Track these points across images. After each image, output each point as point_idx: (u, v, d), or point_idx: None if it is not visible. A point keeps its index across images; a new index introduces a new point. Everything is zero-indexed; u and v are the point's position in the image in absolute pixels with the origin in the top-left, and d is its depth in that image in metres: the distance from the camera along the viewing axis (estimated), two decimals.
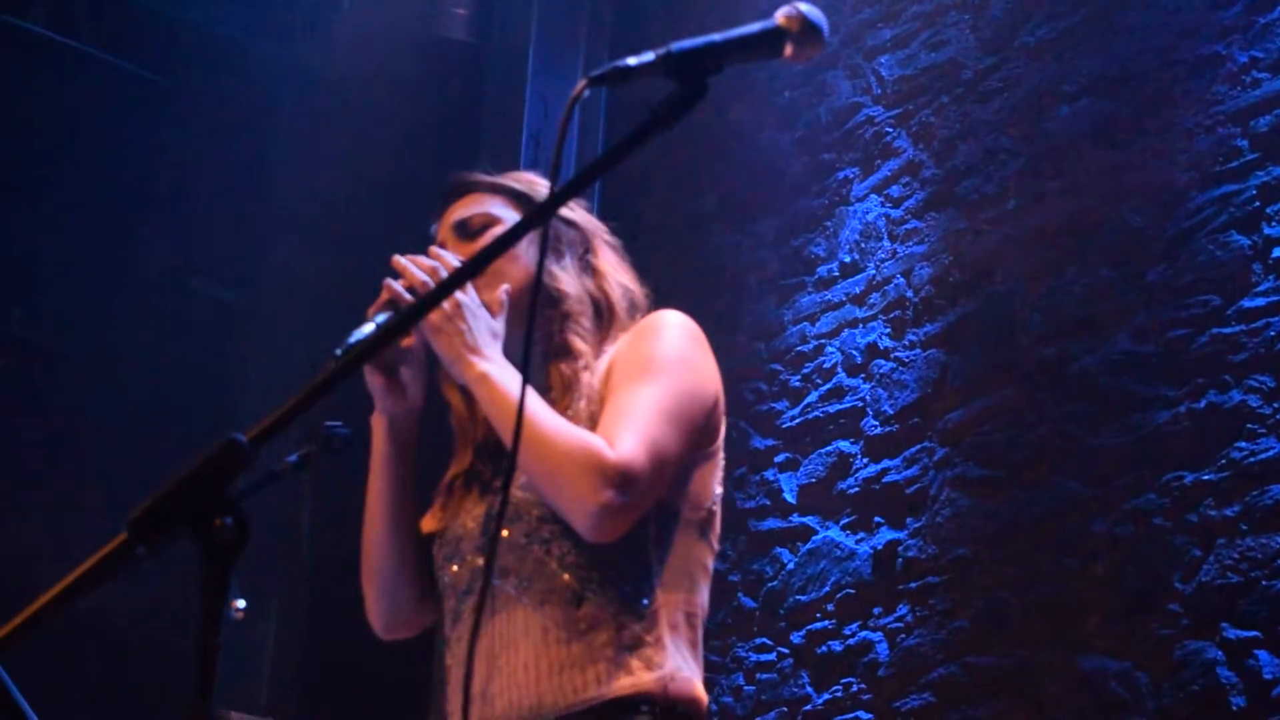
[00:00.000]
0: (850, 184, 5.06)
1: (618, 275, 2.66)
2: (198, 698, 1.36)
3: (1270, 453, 3.64)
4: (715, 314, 5.16)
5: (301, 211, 7.11)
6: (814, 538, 4.72)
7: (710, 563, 2.51)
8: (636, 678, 2.33)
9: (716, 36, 1.81)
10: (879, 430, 4.66)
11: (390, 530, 2.57)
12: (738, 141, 5.56)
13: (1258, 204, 3.83)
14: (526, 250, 2.59)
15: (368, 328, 2.40)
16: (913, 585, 4.38)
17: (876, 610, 4.47)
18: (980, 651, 4.15)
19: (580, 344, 2.52)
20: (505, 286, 2.53)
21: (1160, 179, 4.08)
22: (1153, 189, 4.09)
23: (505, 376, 2.39)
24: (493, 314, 2.48)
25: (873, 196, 4.95)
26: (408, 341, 2.50)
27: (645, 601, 2.38)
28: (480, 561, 2.44)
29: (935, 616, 4.30)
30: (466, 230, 2.65)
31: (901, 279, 4.74)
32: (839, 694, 4.49)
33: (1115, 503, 3.93)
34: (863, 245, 4.93)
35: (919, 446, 4.51)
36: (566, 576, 2.37)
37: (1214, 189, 3.93)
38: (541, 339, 2.55)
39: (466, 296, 2.43)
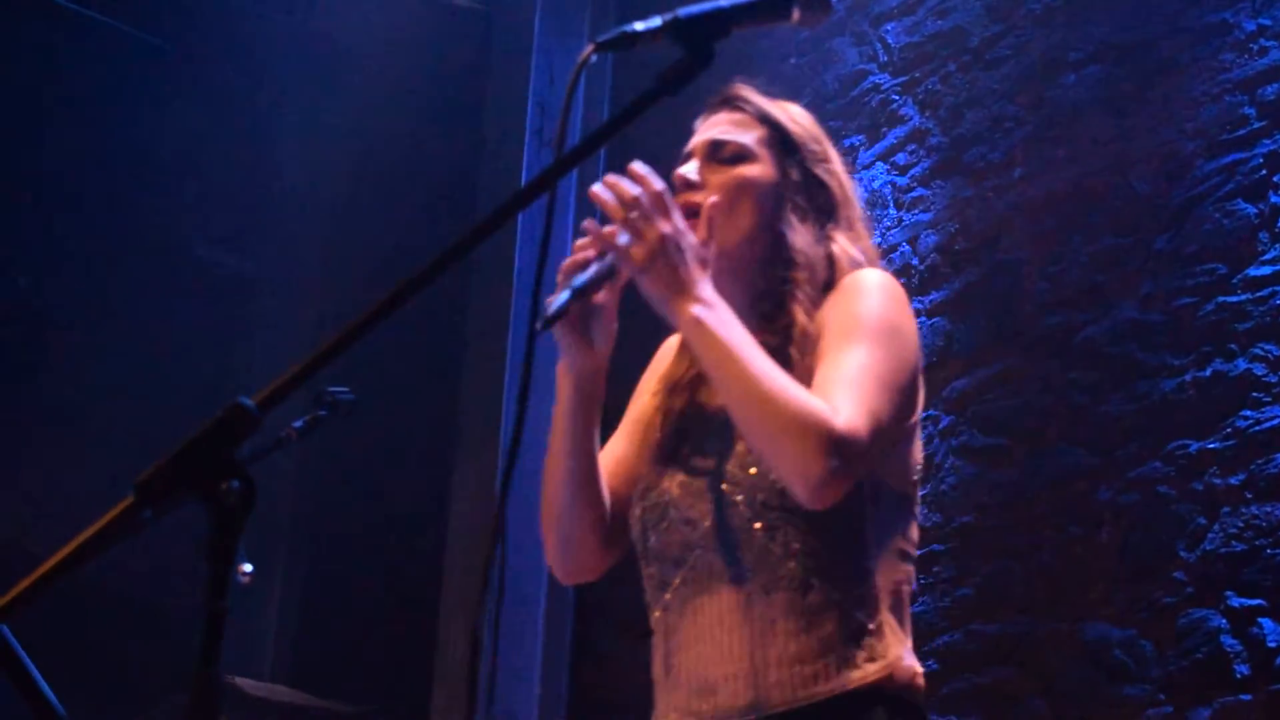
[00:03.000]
0: (856, 152, 5.05)
1: (853, 249, 2.51)
2: (204, 662, 1.36)
3: (1275, 421, 3.64)
4: None
5: (306, 178, 7.11)
6: None
7: (915, 534, 2.45)
8: (864, 670, 2.27)
9: (723, 1, 1.80)
10: None
11: (573, 483, 2.43)
12: None
13: (1264, 172, 3.82)
14: (766, 200, 2.48)
15: (561, 297, 2.28)
16: (917, 553, 4.39)
17: None
18: (984, 619, 4.16)
19: (802, 317, 2.39)
20: (713, 199, 2.40)
21: (1167, 147, 4.07)
22: (1159, 157, 4.08)
23: (721, 320, 2.26)
24: (700, 237, 2.34)
25: (879, 164, 4.94)
26: (601, 298, 2.35)
27: (865, 584, 2.32)
28: (693, 533, 2.35)
29: (939, 584, 4.30)
30: (718, 154, 2.51)
31: (907, 247, 4.74)
32: None
33: (1120, 471, 3.93)
34: (868, 213, 4.91)
35: (924, 414, 4.50)
36: (792, 564, 2.29)
37: (1221, 157, 3.93)
38: (754, 294, 2.45)
39: (670, 226, 2.28)
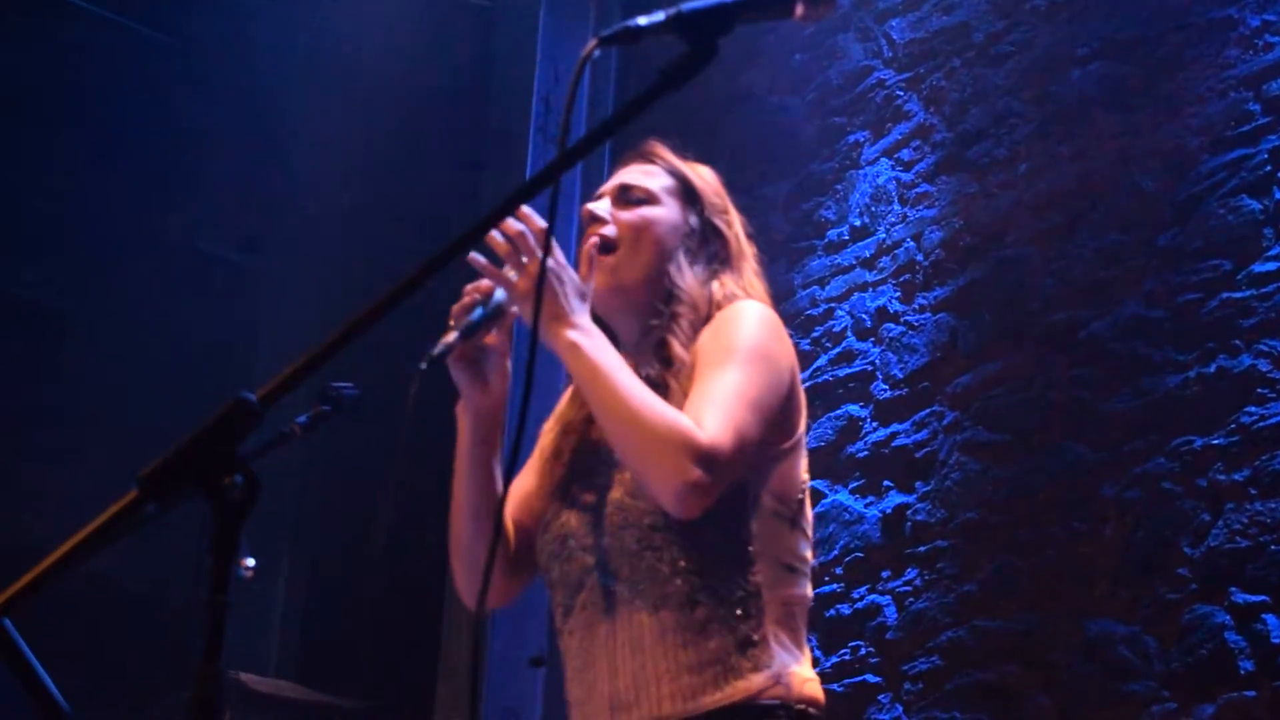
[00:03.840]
0: (861, 147, 5.05)
1: (735, 289, 2.66)
2: (207, 656, 1.36)
3: (1279, 418, 3.65)
4: None
5: (312, 173, 7.11)
6: (823, 501, 4.72)
7: (806, 552, 2.56)
8: (749, 680, 2.40)
9: None
10: (888, 394, 4.66)
11: (476, 517, 2.59)
12: (748, 104, 5.55)
13: (1269, 168, 3.82)
14: (665, 239, 2.64)
15: (450, 338, 2.44)
16: (921, 549, 4.39)
17: (885, 574, 4.48)
18: (988, 615, 4.16)
19: (679, 350, 2.54)
20: (594, 240, 2.59)
21: (1171, 143, 4.07)
22: (1164, 153, 4.08)
23: (595, 346, 2.41)
24: (581, 275, 2.51)
25: (883, 160, 4.94)
26: (491, 339, 2.52)
27: (751, 599, 2.44)
28: (590, 560, 2.49)
29: (943, 580, 4.30)
30: (627, 196, 2.68)
31: (912, 243, 4.73)
32: (847, 657, 4.50)
33: (1124, 467, 3.93)
34: (873, 209, 4.92)
35: (928, 410, 4.51)
36: (679, 581, 2.42)
37: (1225, 153, 3.92)
38: (644, 328, 2.60)
39: (553, 260, 2.42)
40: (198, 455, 1.38)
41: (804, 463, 2.61)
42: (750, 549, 2.46)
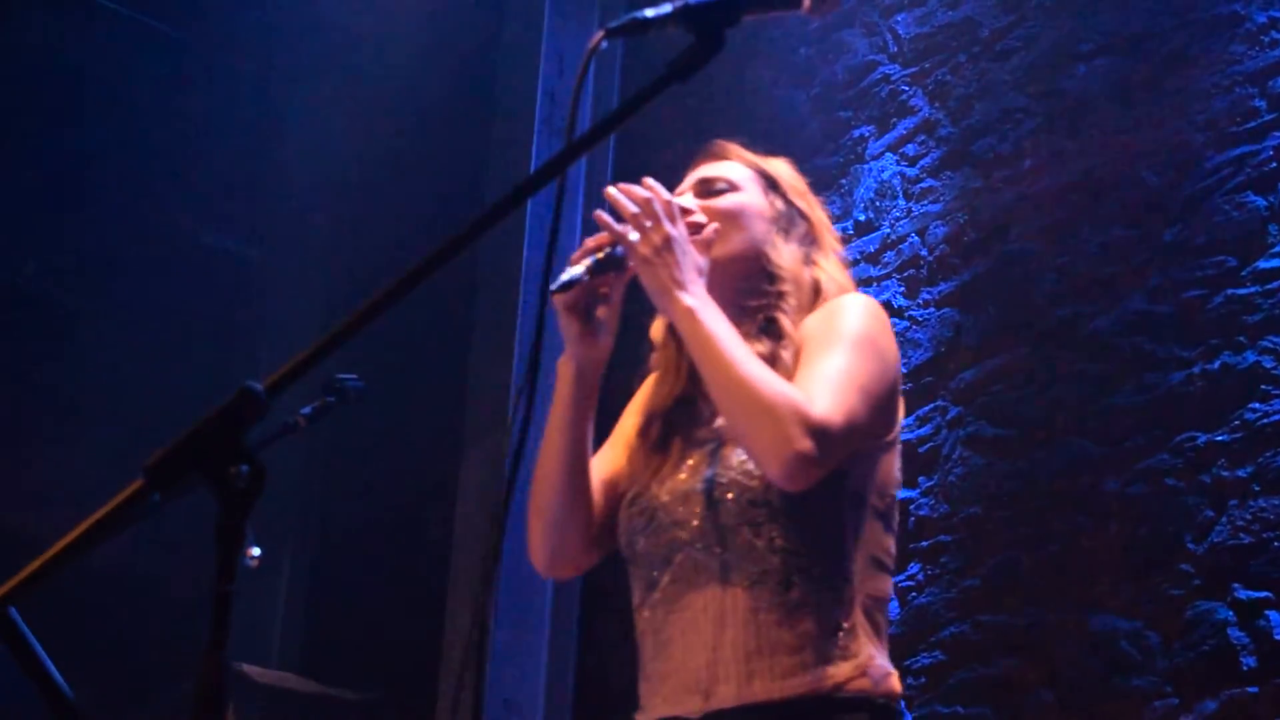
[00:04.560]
0: (866, 142, 5.05)
1: (835, 275, 2.70)
2: (212, 646, 1.37)
3: None
4: None
5: (316, 165, 7.11)
6: None
7: (893, 549, 2.57)
8: (838, 668, 2.40)
9: None
10: None
11: (565, 474, 2.58)
12: (753, 98, 5.55)
13: (1274, 165, 3.81)
14: (755, 223, 2.67)
15: (577, 269, 2.46)
16: (924, 544, 4.39)
17: None
18: (991, 610, 4.16)
19: (788, 326, 2.57)
20: (714, 226, 2.60)
21: (1176, 139, 4.06)
22: (1169, 149, 4.08)
23: (711, 314, 2.43)
24: (700, 252, 2.53)
25: (888, 155, 4.94)
26: (605, 289, 2.54)
27: (843, 587, 2.45)
28: (682, 535, 2.48)
29: (947, 575, 4.30)
30: (707, 188, 2.71)
31: (916, 238, 4.73)
32: None
33: (1128, 463, 3.93)
34: (878, 204, 4.92)
35: (932, 405, 4.50)
36: (776, 560, 2.42)
37: (1230, 149, 3.92)
38: (741, 312, 2.61)
39: (677, 231, 2.47)
40: (203, 445, 1.38)
41: (899, 461, 2.61)
42: (846, 538, 2.47)
